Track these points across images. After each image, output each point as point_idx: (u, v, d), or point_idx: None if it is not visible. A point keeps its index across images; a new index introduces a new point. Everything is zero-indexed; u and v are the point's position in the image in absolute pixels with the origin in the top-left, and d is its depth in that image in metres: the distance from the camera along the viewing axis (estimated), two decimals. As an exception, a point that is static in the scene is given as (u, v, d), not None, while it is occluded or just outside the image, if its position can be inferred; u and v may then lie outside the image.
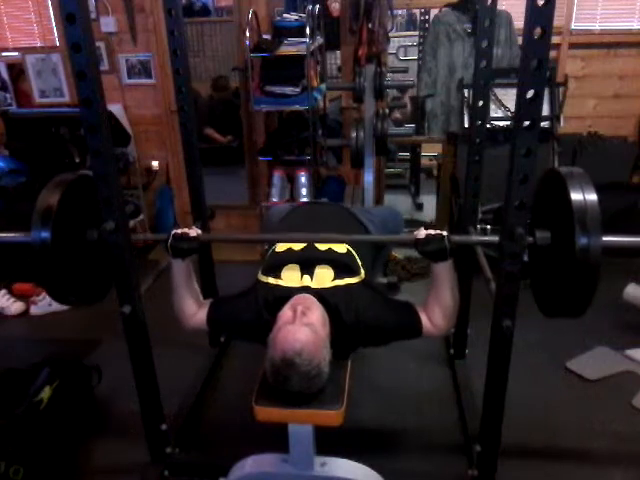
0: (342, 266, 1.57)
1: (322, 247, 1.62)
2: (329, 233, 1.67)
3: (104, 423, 2.13)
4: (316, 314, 1.43)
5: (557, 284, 1.46)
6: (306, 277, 1.53)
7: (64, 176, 1.60)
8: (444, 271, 1.51)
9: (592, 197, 1.36)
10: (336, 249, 1.62)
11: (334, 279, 1.53)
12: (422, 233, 1.49)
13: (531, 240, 1.47)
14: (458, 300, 1.56)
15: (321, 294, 1.49)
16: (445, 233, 1.48)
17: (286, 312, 1.43)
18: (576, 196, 1.36)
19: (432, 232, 1.49)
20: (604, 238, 1.33)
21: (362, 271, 1.59)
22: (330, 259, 1.58)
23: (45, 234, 1.48)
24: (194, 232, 1.60)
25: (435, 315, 1.52)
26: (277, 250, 1.67)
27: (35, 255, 1.49)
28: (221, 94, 5.19)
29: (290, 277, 1.55)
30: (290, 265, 1.57)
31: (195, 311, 1.64)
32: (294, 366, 1.32)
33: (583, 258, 1.33)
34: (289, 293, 1.50)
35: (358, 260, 1.61)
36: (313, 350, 1.35)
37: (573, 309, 1.47)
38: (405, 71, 3.62)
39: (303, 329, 1.36)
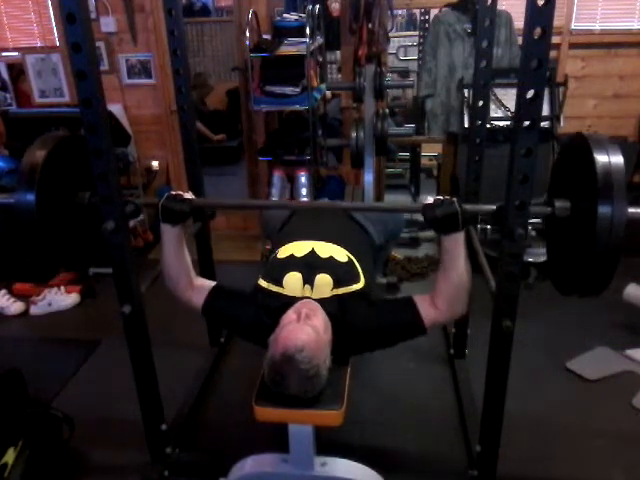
0: (342, 275, 1.56)
1: (323, 255, 1.61)
2: (329, 237, 1.67)
3: (104, 422, 2.13)
4: (319, 318, 1.43)
5: (576, 259, 1.36)
6: (307, 287, 1.52)
7: (53, 133, 1.50)
8: (454, 245, 1.42)
9: (618, 160, 1.24)
10: (337, 257, 1.61)
11: (333, 288, 1.52)
12: (430, 199, 1.41)
13: (549, 211, 1.38)
14: (470, 280, 1.46)
15: (321, 304, 1.49)
16: (455, 199, 1.39)
17: (290, 314, 1.43)
18: (600, 158, 1.23)
19: (441, 197, 1.40)
20: (630, 210, 1.21)
21: (362, 278, 1.57)
22: (330, 267, 1.57)
23: (30, 196, 1.37)
24: (189, 195, 1.58)
25: (442, 298, 1.45)
26: (279, 256, 1.65)
27: (19, 220, 1.39)
28: (201, 91, 5.20)
29: (292, 285, 1.54)
30: (292, 273, 1.56)
31: (186, 286, 1.60)
32: (293, 362, 1.31)
33: (605, 230, 1.21)
34: (291, 302, 1.49)
35: (358, 267, 1.60)
36: (314, 349, 1.34)
37: (591, 287, 1.37)
38: (406, 72, 3.62)
39: (306, 328, 1.36)
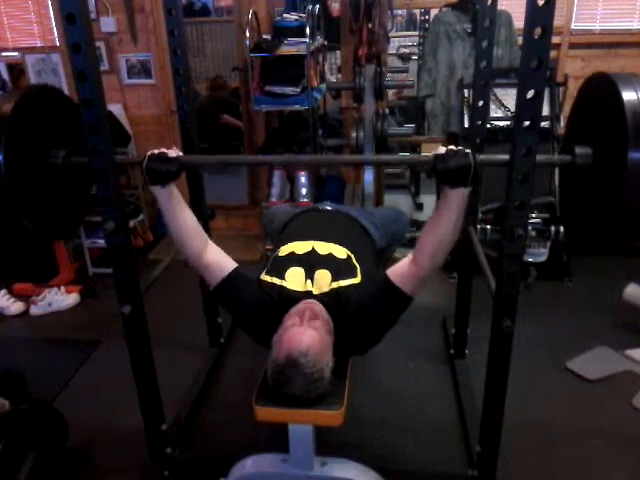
0: (340, 269, 1.56)
1: (323, 252, 1.61)
2: (329, 237, 1.66)
3: (105, 423, 2.13)
4: (322, 320, 1.43)
5: (601, 211, 1.26)
6: (309, 282, 1.53)
7: (23, 88, 1.40)
8: (458, 199, 1.33)
9: None
10: (336, 254, 1.61)
11: (332, 282, 1.53)
12: (442, 149, 1.31)
13: (569, 159, 1.28)
14: (457, 235, 1.40)
15: (321, 299, 1.49)
16: (469, 150, 1.29)
17: (293, 315, 1.42)
18: (629, 96, 1.11)
19: (453, 147, 1.30)
20: None
21: (359, 275, 1.57)
22: (329, 263, 1.57)
23: None
24: (174, 152, 1.43)
25: (424, 252, 1.40)
26: (280, 255, 1.65)
27: None
28: (219, 94, 5.17)
29: (294, 279, 1.54)
30: (294, 268, 1.56)
31: (200, 249, 1.51)
32: (298, 366, 1.31)
33: (636, 177, 1.08)
34: (294, 296, 1.49)
35: (356, 265, 1.60)
36: (319, 352, 1.34)
37: (621, 238, 1.27)
38: (405, 71, 3.62)
39: (310, 331, 1.36)
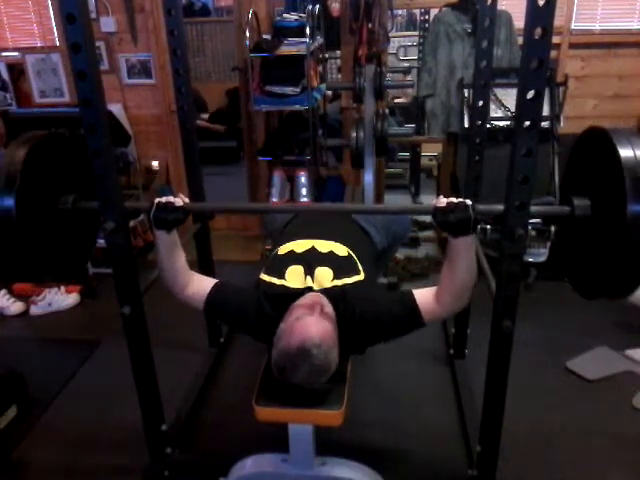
0: (341, 266, 1.57)
1: (323, 250, 1.62)
2: (330, 236, 1.67)
3: (105, 423, 2.13)
4: (331, 314, 1.43)
5: (600, 261, 1.29)
6: (308, 278, 1.53)
7: (33, 133, 1.42)
8: (464, 246, 1.37)
9: None
10: (337, 252, 1.62)
11: (333, 279, 1.53)
12: (442, 201, 1.36)
13: (567, 210, 1.31)
14: (475, 277, 1.43)
15: (324, 295, 1.49)
16: (469, 202, 1.34)
17: (302, 306, 1.41)
18: (626, 153, 1.17)
19: (454, 200, 1.34)
20: None
21: (362, 273, 1.58)
22: (330, 261, 1.57)
23: (8, 202, 1.30)
24: (180, 201, 1.48)
25: (446, 294, 1.43)
26: (279, 253, 1.66)
27: None
28: None
29: (294, 278, 1.54)
30: (293, 266, 1.57)
31: (183, 286, 1.55)
32: (309, 357, 1.31)
33: (636, 230, 1.13)
34: (294, 293, 1.49)
35: (358, 263, 1.61)
36: (331, 345, 1.35)
37: (620, 289, 1.31)
38: (407, 71, 3.63)
39: (323, 322, 1.36)
